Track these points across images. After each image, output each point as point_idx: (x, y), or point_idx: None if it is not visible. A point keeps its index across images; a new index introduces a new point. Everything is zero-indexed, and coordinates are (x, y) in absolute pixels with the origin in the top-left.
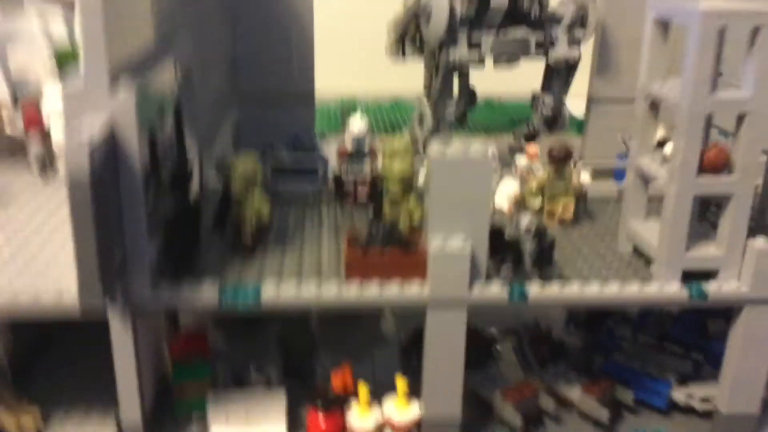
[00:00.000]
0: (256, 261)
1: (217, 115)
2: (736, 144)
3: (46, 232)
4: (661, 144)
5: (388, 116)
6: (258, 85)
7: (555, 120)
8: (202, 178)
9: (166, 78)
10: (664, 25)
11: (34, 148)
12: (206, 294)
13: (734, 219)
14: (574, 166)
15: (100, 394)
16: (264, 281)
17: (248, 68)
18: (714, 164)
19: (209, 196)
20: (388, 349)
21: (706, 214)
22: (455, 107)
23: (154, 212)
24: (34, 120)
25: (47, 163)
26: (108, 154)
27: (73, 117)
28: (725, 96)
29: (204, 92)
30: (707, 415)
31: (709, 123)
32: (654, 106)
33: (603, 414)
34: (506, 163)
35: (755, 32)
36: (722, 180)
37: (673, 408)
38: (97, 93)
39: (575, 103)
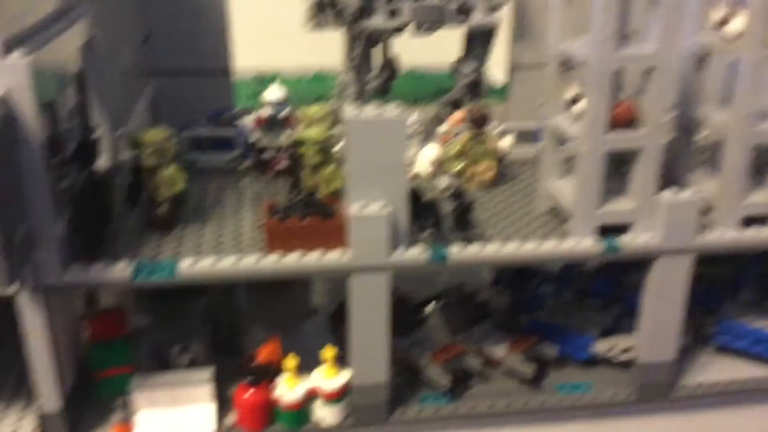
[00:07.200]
0: (174, 236)
1: (130, 91)
2: (644, 99)
3: None
4: (575, 103)
5: (310, 89)
6: (173, 61)
7: (476, 86)
8: (116, 154)
9: (65, 48)
10: None
11: None
12: (120, 271)
13: (644, 173)
14: (494, 130)
15: (18, 382)
16: (180, 256)
17: (162, 44)
18: (623, 120)
19: (123, 171)
20: (318, 320)
21: (623, 170)
22: (377, 78)
23: (59, 187)
24: None
25: None
26: (4, 129)
27: None
28: (631, 51)
29: (114, 66)
30: (627, 365)
31: (617, 79)
32: (565, 66)
33: (528, 370)
34: (432, 131)
35: None
36: (631, 135)
37: (595, 361)
38: None
39: (496, 70)
